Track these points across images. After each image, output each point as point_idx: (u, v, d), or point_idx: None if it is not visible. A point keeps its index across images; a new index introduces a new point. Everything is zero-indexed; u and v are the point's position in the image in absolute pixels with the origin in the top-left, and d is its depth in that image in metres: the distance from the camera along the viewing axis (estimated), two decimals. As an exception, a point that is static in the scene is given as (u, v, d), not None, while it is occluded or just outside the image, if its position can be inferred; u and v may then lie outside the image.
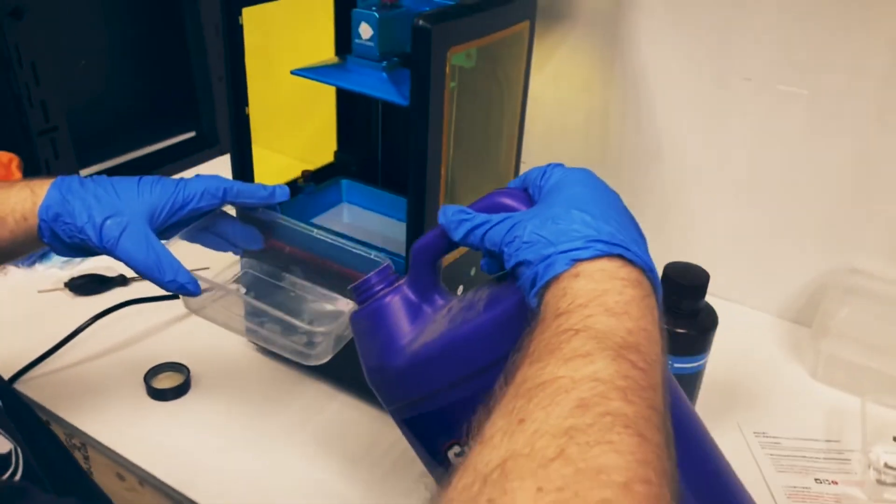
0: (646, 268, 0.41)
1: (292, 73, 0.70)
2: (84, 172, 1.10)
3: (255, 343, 0.81)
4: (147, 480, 0.70)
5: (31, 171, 1.03)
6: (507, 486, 0.29)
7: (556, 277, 0.40)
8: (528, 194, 0.49)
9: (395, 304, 0.51)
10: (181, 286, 0.57)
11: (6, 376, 0.75)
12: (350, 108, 0.86)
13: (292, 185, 0.82)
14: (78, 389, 0.76)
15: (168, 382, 0.77)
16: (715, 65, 0.85)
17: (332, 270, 0.70)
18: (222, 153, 1.29)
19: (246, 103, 0.72)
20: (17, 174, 1.03)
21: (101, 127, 1.14)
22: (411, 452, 0.53)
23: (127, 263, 0.57)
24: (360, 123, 0.86)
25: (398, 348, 0.50)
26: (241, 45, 0.69)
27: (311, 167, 0.85)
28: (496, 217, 0.46)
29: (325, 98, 0.85)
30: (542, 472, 0.30)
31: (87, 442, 0.73)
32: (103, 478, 0.75)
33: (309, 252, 0.71)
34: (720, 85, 0.86)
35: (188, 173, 1.22)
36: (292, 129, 0.82)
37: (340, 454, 0.71)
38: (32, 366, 0.78)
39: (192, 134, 1.29)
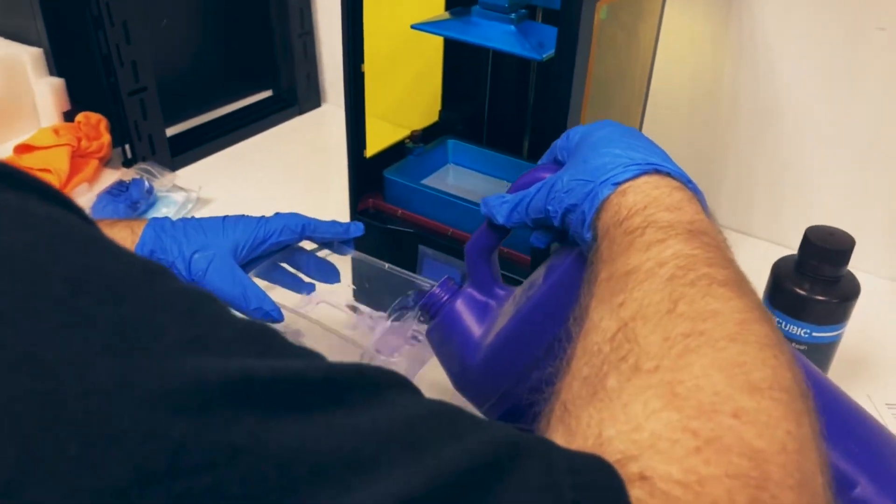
0: (683, 179, 0.42)
1: (413, 27, 0.66)
2: (169, 132, 1.08)
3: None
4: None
5: (120, 131, 1.02)
6: (634, 342, 0.31)
7: (604, 202, 0.41)
8: (559, 163, 0.48)
9: (461, 306, 0.53)
10: (266, 313, 0.60)
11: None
12: (458, 65, 0.83)
13: (400, 145, 0.79)
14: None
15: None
16: (843, 13, 0.80)
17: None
18: (301, 113, 1.26)
19: (362, 60, 0.69)
20: (106, 135, 1.02)
21: (183, 86, 1.12)
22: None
23: (214, 293, 0.58)
24: (468, 81, 0.82)
25: (473, 346, 0.51)
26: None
27: (416, 127, 0.82)
28: (534, 188, 0.46)
29: (431, 54, 0.82)
30: (663, 323, 0.31)
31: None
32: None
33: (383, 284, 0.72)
34: (849, 36, 0.81)
35: (267, 134, 1.21)
36: (396, 87, 0.79)
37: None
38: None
39: (269, 93, 1.26)
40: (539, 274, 0.50)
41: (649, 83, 0.72)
